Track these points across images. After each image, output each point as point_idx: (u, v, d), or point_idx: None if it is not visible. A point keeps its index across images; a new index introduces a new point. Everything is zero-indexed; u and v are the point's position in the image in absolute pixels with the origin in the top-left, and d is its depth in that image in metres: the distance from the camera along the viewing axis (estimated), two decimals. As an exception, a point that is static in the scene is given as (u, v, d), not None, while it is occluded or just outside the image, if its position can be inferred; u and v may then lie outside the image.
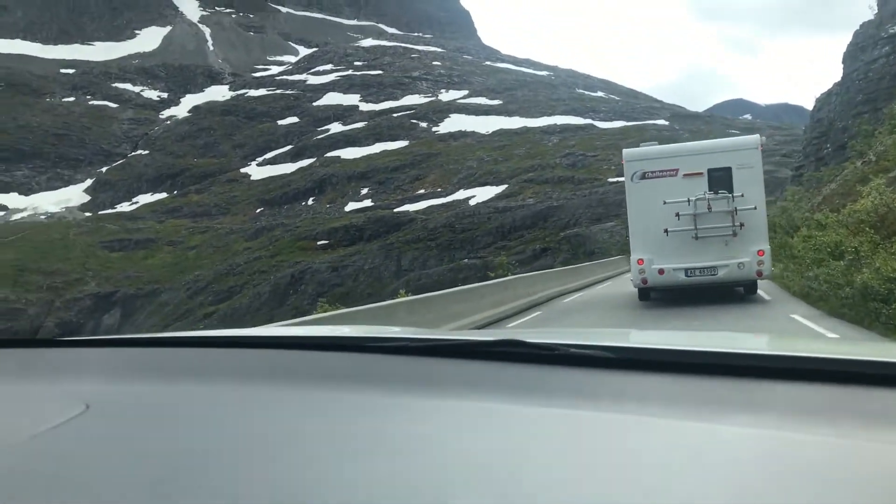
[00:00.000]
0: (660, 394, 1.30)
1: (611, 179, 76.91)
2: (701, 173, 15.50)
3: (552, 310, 18.65)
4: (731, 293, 17.11)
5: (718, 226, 15.31)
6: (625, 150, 17.19)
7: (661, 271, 15.64)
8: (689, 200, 15.31)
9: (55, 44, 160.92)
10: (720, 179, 15.39)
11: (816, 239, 18.29)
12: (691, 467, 0.95)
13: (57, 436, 1.06)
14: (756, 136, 16.52)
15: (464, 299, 15.30)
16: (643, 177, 16.11)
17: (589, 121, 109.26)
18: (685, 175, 15.60)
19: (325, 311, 17.42)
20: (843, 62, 57.85)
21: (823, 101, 58.57)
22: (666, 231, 15.50)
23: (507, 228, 67.28)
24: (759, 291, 16.98)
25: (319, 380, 1.48)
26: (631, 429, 1.11)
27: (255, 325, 46.83)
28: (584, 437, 1.09)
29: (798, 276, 17.26)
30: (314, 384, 1.44)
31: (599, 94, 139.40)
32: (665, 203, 15.42)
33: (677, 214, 15.40)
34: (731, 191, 15.25)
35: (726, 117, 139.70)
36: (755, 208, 15.28)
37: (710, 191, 15.33)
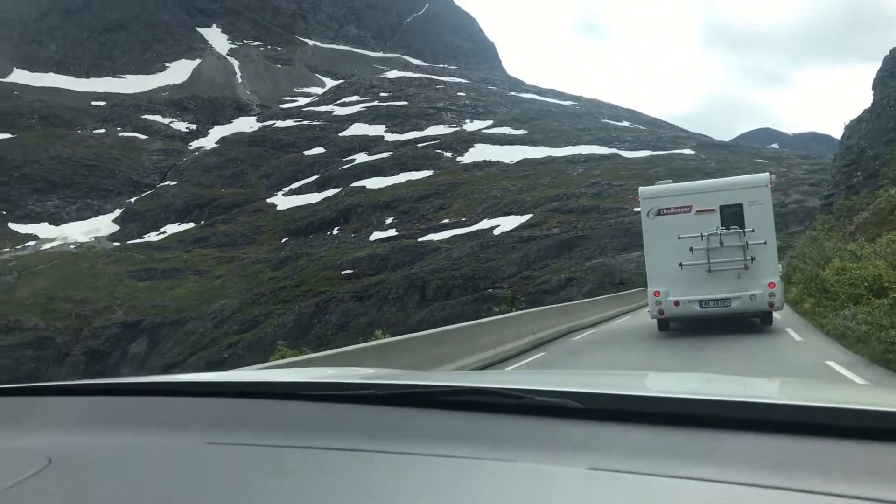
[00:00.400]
0: (626, 445, 1.27)
1: (636, 209, 76.15)
2: (713, 210, 16.24)
3: (558, 350, 16.51)
4: (756, 333, 16.05)
5: (730, 259, 16.00)
6: (641, 189, 17.96)
7: (676, 303, 16.37)
8: (702, 235, 16.03)
9: (87, 77, 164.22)
10: (732, 215, 16.11)
11: (852, 272, 16.72)
12: None
13: (19, 494, 1.03)
14: (766, 175, 17.38)
15: (448, 341, 12.87)
16: (658, 213, 16.76)
17: (614, 150, 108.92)
18: (698, 211, 16.33)
19: (282, 355, 16.91)
20: (874, 89, 56.54)
21: (853, 128, 57.23)
22: (681, 265, 16.19)
23: (532, 258, 66.94)
24: (788, 330, 15.97)
25: (275, 430, 1.45)
26: (594, 483, 1.09)
27: (279, 356, 46.58)
28: (544, 493, 1.05)
29: (832, 312, 15.34)
30: (269, 435, 1.41)
31: (625, 123, 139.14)
32: (679, 238, 16.13)
33: (691, 249, 16.10)
34: (742, 226, 15.96)
35: (753, 146, 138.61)
36: (765, 243, 16.01)
37: (722, 226, 16.06)
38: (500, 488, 1.09)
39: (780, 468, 1.13)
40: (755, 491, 1.05)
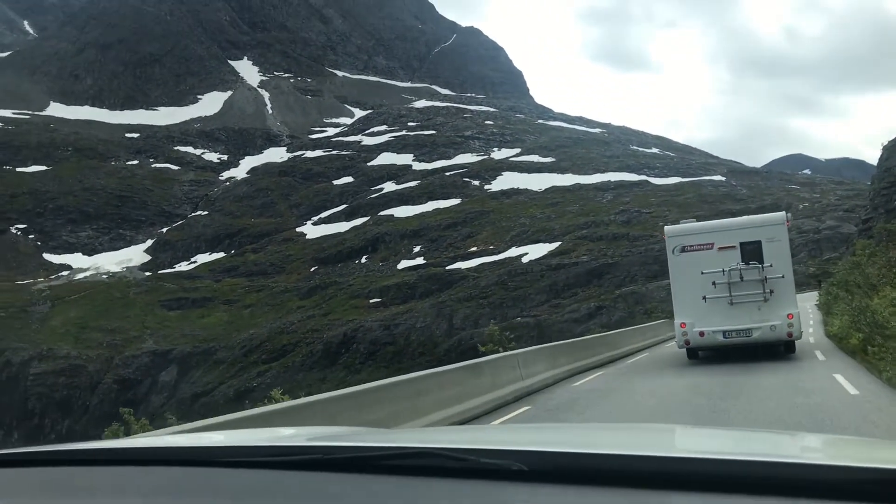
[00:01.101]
0: None
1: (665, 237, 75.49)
2: (734, 246, 17.33)
3: (549, 402, 13.50)
4: (799, 384, 12.98)
5: (751, 293, 17.00)
6: (666, 228, 19.51)
7: (701, 333, 17.34)
8: (723, 270, 17.07)
9: (122, 109, 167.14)
10: (751, 252, 17.16)
11: None
12: None
13: None
14: (782, 213, 18.61)
15: (383, 400, 9.79)
16: (683, 250, 17.94)
17: (643, 177, 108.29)
18: (720, 248, 17.45)
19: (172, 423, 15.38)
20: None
21: (892, 149, 54.29)
22: (704, 298, 17.22)
23: (561, 286, 66.46)
24: (837, 377, 13.17)
25: (206, 500, 1.41)
26: None
27: (306, 384, 46.32)
28: None
29: (891, 355, 12.96)
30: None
31: (654, 150, 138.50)
32: (703, 273, 17.21)
33: (714, 283, 17.12)
34: (761, 261, 17.02)
35: (785, 172, 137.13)
36: (783, 277, 17.05)
37: (742, 262, 17.12)
38: None
39: None
40: None
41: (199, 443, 1.91)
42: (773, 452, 1.73)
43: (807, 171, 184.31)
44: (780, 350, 17.81)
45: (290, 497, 1.41)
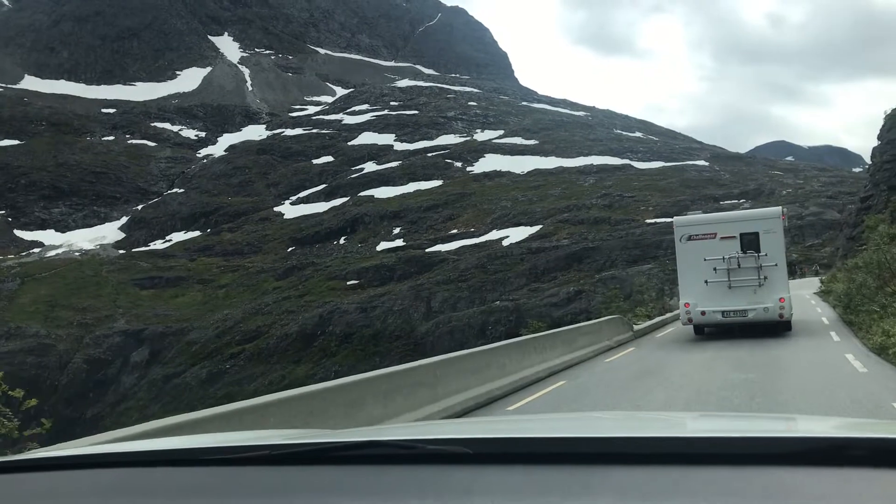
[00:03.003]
0: (505, 487, 1.34)
1: (648, 221, 74.87)
2: (734, 237, 19.22)
3: None
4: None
5: (747, 278, 18.94)
6: (675, 218, 21.74)
7: (703, 313, 19.45)
8: (724, 258, 19.01)
9: (98, 84, 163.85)
10: (749, 242, 19.02)
11: None
12: None
13: None
14: (779, 208, 20.77)
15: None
16: (689, 239, 19.80)
17: (626, 161, 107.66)
18: (722, 238, 19.30)
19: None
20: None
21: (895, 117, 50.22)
22: (706, 282, 19.21)
23: (541, 270, 65.56)
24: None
25: (171, 498, 1.47)
26: None
27: (280, 367, 45.17)
28: None
29: None
30: (161, 501, 1.44)
31: (637, 134, 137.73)
32: (705, 260, 19.18)
33: (715, 269, 19.09)
34: (757, 251, 18.90)
35: (768, 158, 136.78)
36: (776, 265, 19.00)
37: (740, 251, 19.01)
38: None
39: (653, 497, 1.21)
40: None
41: (143, 448, 1.97)
42: (667, 430, 1.97)
43: (790, 158, 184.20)
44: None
45: (249, 491, 1.47)
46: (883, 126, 51.82)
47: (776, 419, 3.16)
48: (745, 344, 17.39)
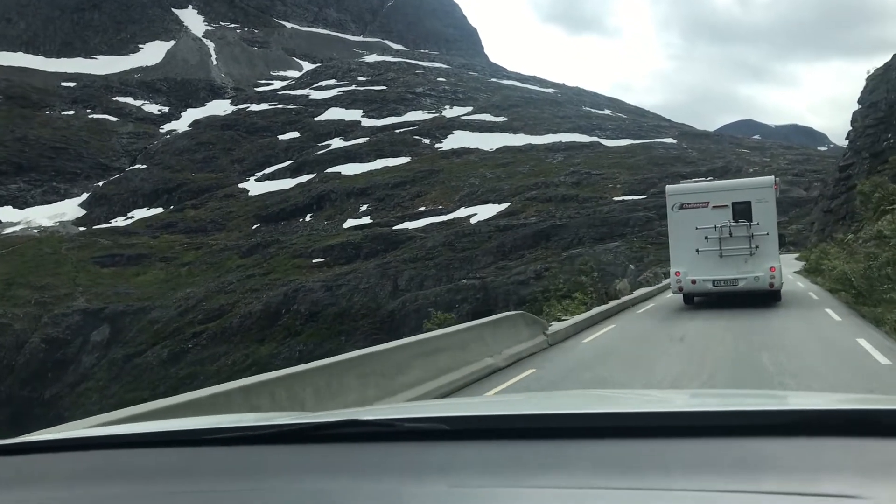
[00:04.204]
0: (482, 461, 1.38)
1: (616, 198, 74.75)
2: (726, 206, 19.19)
3: None
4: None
5: (738, 247, 18.94)
6: (668, 187, 21.28)
7: (693, 281, 19.53)
8: (715, 227, 19.03)
9: (57, 57, 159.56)
10: (741, 211, 19.01)
11: None
12: None
13: None
14: (771, 178, 21.06)
15: None
16: (681, 207, 19.74)
17: (595, 138, 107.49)
18: (714, 207, 19.29)
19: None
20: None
21: (879, 78, 46.23)
22: (697, 250, 19.28)
23: (508, 248, 65.18)
24: None
25: (152, 478, 1.49)
26: (448, 500, 1.18)
27: (244, 346, 44.25)
28: None
29: None
30: (147, 482, 1.46)
31: (606, 111, 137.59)
32: (697, 228, 19.19)
33: (706, 237, 19.10)
34: (749, 220, 18.92)
35: (735, 136, 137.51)
36: (768, 234, 19.01)
37: (733, 220, 19.00)
38: None
39: (628, 470, 1.25)
40: (604, 493, 1.14)
41: (120, 431, 2.10)
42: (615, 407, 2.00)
43: (757, 137, 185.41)
44: None
45: (234, 469, 1.52)
46: (864, 88, 48.60)
47: (754, 395, 3.15)
48: (735, 350, 12.25)
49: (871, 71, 47.80)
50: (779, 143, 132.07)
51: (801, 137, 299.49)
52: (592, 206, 72.03)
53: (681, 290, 20.03)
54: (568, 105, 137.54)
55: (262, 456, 1.56)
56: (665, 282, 26.94)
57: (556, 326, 15.76)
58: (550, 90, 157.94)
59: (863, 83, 46.74)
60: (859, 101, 48.83)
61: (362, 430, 1.61)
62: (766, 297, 19.38)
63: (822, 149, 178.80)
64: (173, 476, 1.48)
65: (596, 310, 20.05)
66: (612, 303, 21.87)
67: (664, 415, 1.66)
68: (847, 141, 51.19)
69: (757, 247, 18.81)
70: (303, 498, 1.25)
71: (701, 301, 20.69)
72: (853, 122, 49.61)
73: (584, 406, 2.03)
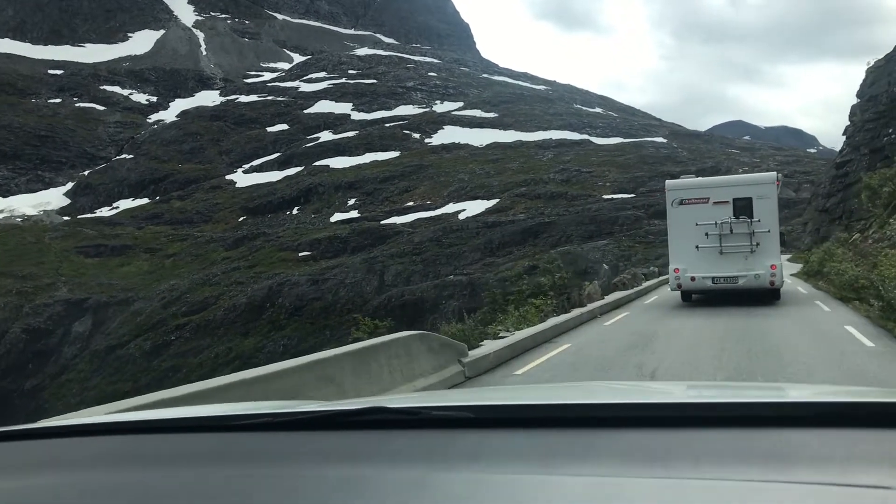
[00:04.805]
0: (509, 449, 1.38)
1: (605, 196, 74.44)
2: (727, 202, 18.82)
3: None
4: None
5: (739, 244, 18.61)
6: (667, 182, 20.79)
7: (692, 278, 19.16)
8: (716, 223, 18.70)
9: (45, 44, 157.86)
10: (743, 207, 18.64)
11: None
12: None
13: None
14: (773, 174, 20.52)
15: None
16: (681, 203, 19.36)
17: (585, 136, 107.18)
18: (714, 203, 18.94)
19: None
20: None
21: (880, 70, 45.16)
22: (697, 247, 18.91)
23: (496, 244, 64.78)
24: None
25: (178, 463, 1.50)
26: (477, 487, 1.17)
27: (227, 339, 43.62)
28: (432, 500, 1.14)
29: None
30: (173, 467, 1.47)
31: (597, 109, 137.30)
32: (697, 224, 18.86)
33: (706, 234, 18.80)
34: (750, 217, 18.53)
35: (726, 137, 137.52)
36: (769, 231, 18.61)
37: (733, 216, 18.63)
38: (389, 501, 1.15)
39: (658, 459, 1.24)
40: (634, 482, 1.14)
41: (148, 417, 2.10)
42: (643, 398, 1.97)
43: (747, 137, 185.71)
44: None
45: (262, 454, 1.52)
46: (864, 81, 47.07)
47: (775, 388, 3.09)
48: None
49: (871, 63, 46.41)
50: (769, 144, 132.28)
51: (791, 139, 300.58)
52: (581, 204, 71.72)
53: (679, 287, 19.72)
54: (559, 102, 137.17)
55: (289, 442, 1.58)
56: (646, 284, 25.92)
57: (483, 349, 11.85)
58: (542, 87, 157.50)
59: (854, 85, 45.37)
60: (858, 95, 47.31)
61: (388, 418, 1.61)
62: (767, 306, 17.93)
63: (812, 151, 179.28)
64: (200, 461, 1.49)
65: (551, 322, 15.48)
66: (576, 311, 17.73)
67: (695, 406, 1.64)
68: (844, 136, 48.85)
69: (758, 244, 18.51)
70: (330, 483, 1.26)
71: (690, 312, 18.33)
72: (851, 116, 47.66)
73: (613, 396, 2.04)
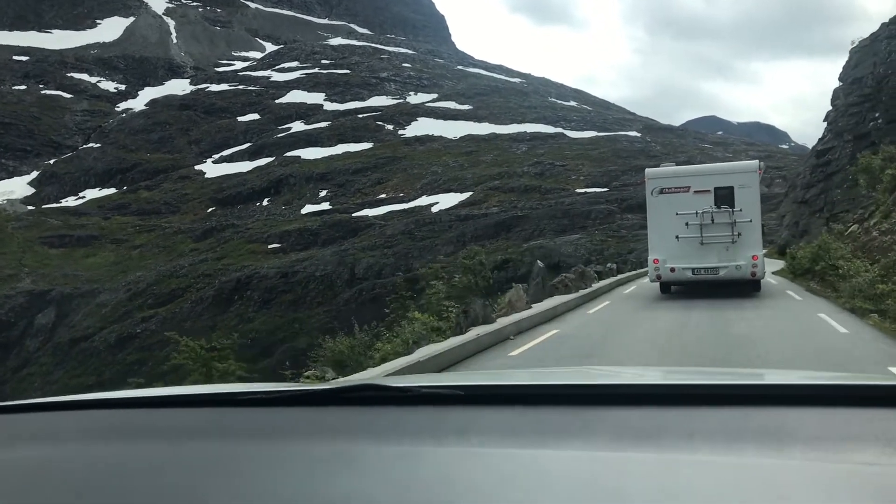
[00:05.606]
0: (500, 426, 1.40)
1: (579, 190, 74.13)
2: (709, 191, 18.47)
3: None
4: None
5: (720, 234, 18.22)
6: (647, 170, 20.20)
7: (672, 269, 18.70)
8: (696, 213, 18.28)
9: (10, 30, 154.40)
10: (724, 196, 18.27)
11: None
12: (522, 494, 1.02)
13: None
14: (756, 162, 19.95)
15: None
16: (661, 192, 18.93)
17: (560, 130, 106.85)
18: (695, 192, 18.55)
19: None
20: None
21: (865, 51, 41.76)
22: (677, 237, 18.45)
23: (469, 237, 64.16)
24: None
25: (172, 437, 1.52)
26: (467, 461, 1.19)
27: (194, 332, 42.48)
28: (423, 474, 1.16)
29: None
30: (167, 441, 1.48)
31: (572, 103, 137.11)
32: (677, 214, 18.41)
33: (687, 224, 18.35)
34: (732, 206, 18.13)
35: (699, 132, 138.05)
36: (751, 221, 18.21)
37: (714, 205, 18.26)
38: (384, 472, 1.18)
39: (651, 437, 1.25)
40: (626, 457, 1.16)
41: (152, 394, 2.08)
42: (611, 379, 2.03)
43: (720, 133, 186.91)
44: None
45: (257, 429, 1.54)
46: (847, 62, 43.88)
47: (765, 373, 3.12)
48: None
49: (856, 42, 43.54)
50: (742, 139, 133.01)
51: (764, 135, 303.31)
52: (555, 198, 71.38)
53: (659, 278, 19.25)
54: (534, 95, 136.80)
55: (280, 417, 1.60)
56: (598, 285, 22.67)
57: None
58: (517, 80, 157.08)
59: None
60: (840, 78, 44.35)
61: (381, 395, 1.64)
62: (756, 328, 12.38)
63: (784, 146, 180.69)
64: (192, 435, 1.51)
65: (421, 353, 9.91)
66: (473, 333, 11.72)
67: (689, 386, 1.65)
68: (825, 123, 45.54)
69: (739, 234, 18.14)
70: (319, 457, 1.27)
71: (648, 326, 13.69)
72: (834, 100, 44.76)
73: (606, 378, 2.04)
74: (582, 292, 19.86)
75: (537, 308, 15.85)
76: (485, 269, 23.99)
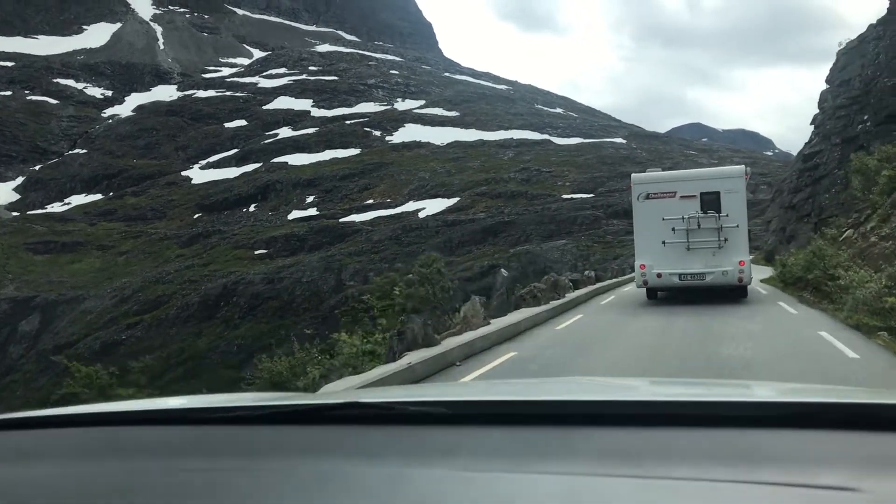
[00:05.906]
0: (486, 447, 1.39)
1: (565, 196, 74.48)
2: (695, 196, 18.19)
3: None
4: None
5: (706, 240, 18.02)
6: (633, 175, 20.07)
7: (658, 275, 18.50)
8: (683, 218, 18.06)
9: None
10: (711, 202, 18.05)
11: None
12: None
13: None
14: (742, 167, 19.63)
15: None
16: (647, 197, 18.73)
17: (546, 136, 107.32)
18: (682, 197, 18.34)
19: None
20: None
21: (853, 52, 41.28)
22: (664, 242, 18.27)
23: (456, 243, 64.38)
24: None
25: (154, 455, 1.50)
26: (452, 484, 1.19)
27: (180, 339, 42.44)
28: (409, 497, 1.15)
29: None
30: (148, 459, 1.47)
31: (558, 110, 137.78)
32: (664, 219, 18.21)
33: (673, 229, 18.17)
34: (718, 211, 17.93)
35: (684, 139, 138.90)
36: (737, 226, 18.02)
37: (701, 211, 18.04)
38: (366, 495, 1.17)
39: (631, 458, 1.25)
40: (607, 480, 1.16)
41: (128, 408, 2.09)
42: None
43: (705, 140, 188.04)
44: None
45: (236, 448, 1.53)
46: (834, 64, 44.02)
47: (743, 385, 3.17)
48: None
49: (843, 44, 43.20)
50: (726, 146, 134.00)
51: (748, 142, 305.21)
52: (541, 204, 71.67)
53: (645, 283, 19.09)
54: (520, 102, 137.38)
55: (264, 435, 1.57)
56: (571, 295, 20.69)
57: None
58: (503, 87, 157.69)
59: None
60: (827, 81, 44.10)
61: (364, 413, 1.60)
62: (752, 354, 10.00)
63: (769, 153, 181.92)
64: (175, 454, 1.48)
65: (331, 388, 8.09)
66: (405, 360, 9.39)
67: (670, 404, 1.65)
68: (812, 126, 44.73)
69: (726, 239, 17.98)
70: (306, 478, 1.25)
71: (623, 347, 11.76)
72: (821, 102, 44.06)
73: (588, 393, 2.03)
74: (554, 304, 17.91)
75: (497, 324, 13.59)
76: (443, 278, 20.24)
